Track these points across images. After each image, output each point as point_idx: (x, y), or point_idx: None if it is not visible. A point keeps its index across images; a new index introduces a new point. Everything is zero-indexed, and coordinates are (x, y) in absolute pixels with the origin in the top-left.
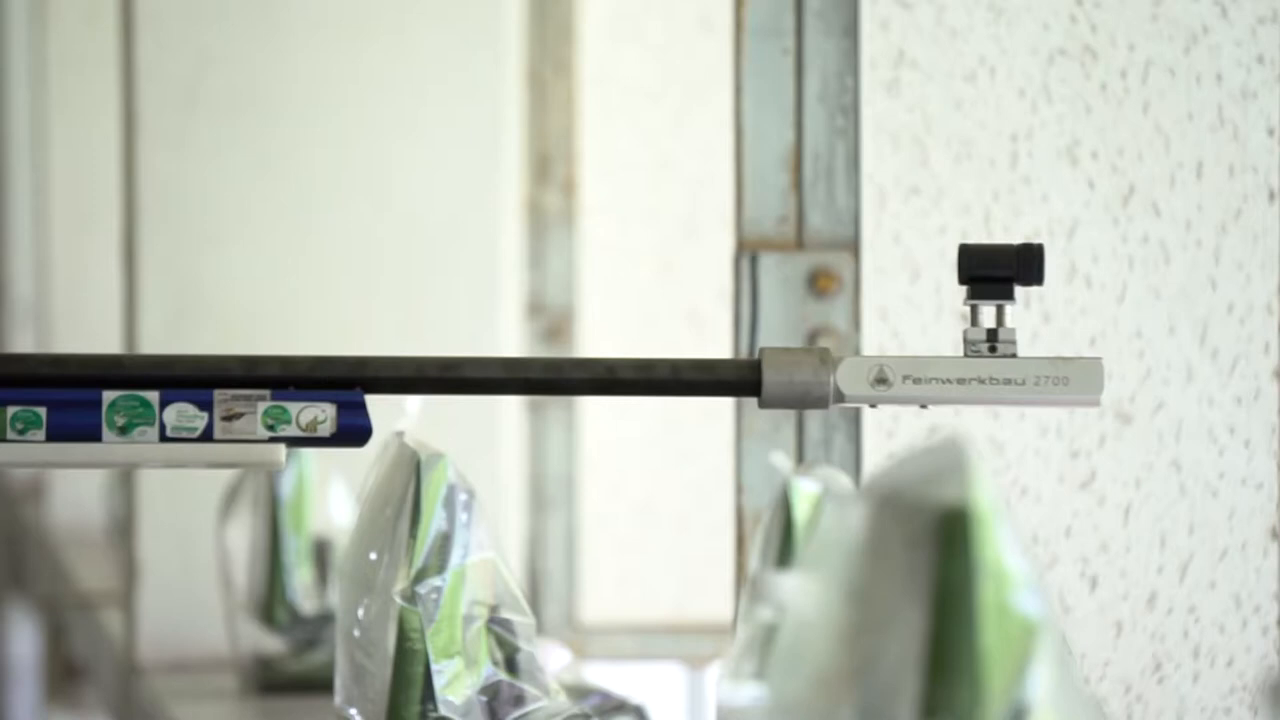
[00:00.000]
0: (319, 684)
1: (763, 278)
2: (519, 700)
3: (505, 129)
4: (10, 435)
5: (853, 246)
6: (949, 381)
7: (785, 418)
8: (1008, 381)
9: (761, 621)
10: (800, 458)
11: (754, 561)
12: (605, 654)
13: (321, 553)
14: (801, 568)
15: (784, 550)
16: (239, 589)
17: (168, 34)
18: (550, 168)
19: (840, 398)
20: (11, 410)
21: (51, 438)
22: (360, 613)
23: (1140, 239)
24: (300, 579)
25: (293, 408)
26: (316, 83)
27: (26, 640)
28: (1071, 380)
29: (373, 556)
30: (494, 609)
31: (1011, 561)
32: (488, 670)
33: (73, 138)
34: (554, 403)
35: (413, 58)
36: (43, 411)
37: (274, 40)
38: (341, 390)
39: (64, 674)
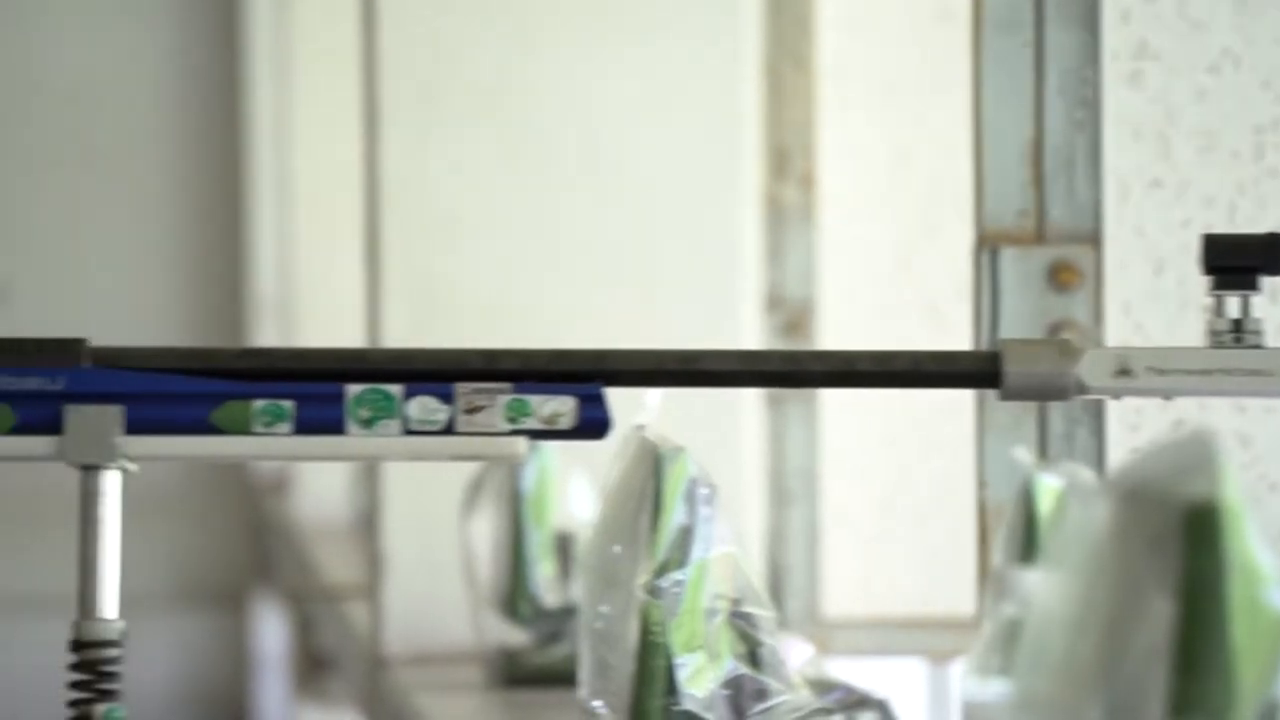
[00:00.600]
0: (562, 677)
1: (1003, 272)
2: (761, 694)
3: (743, 123)
4: (257, 429)
5: (1094, 240)
6: (1194, 373)
7: (1026, 412)
8: (1255, 373)
9: (1006, 617)
10: (1043, 453)
11: (997, 557)
12: (847, 649)
13: (563, 546)
14: (1045, 563)
15: (1027, 545)
16: (482, 582)
17: (409, 28)
18: (788, 162)
19: (1082, 389)
20: (258, 404)
21: (298, 431)
22: (603, 606)
23: None
24: (542, 572)
25: (533, 401)
26: (557, 77)
27: (274, 633)
28: None
29: (616, 550)
30: (735, 603)
31: (1261, 557)
32: (730, 664)
33: (315, 133)
34: (794, 397)
35: (652, 53)
36: (289, 405)
37: (515, 34)
38: (582, 384)
39: (311, 666)
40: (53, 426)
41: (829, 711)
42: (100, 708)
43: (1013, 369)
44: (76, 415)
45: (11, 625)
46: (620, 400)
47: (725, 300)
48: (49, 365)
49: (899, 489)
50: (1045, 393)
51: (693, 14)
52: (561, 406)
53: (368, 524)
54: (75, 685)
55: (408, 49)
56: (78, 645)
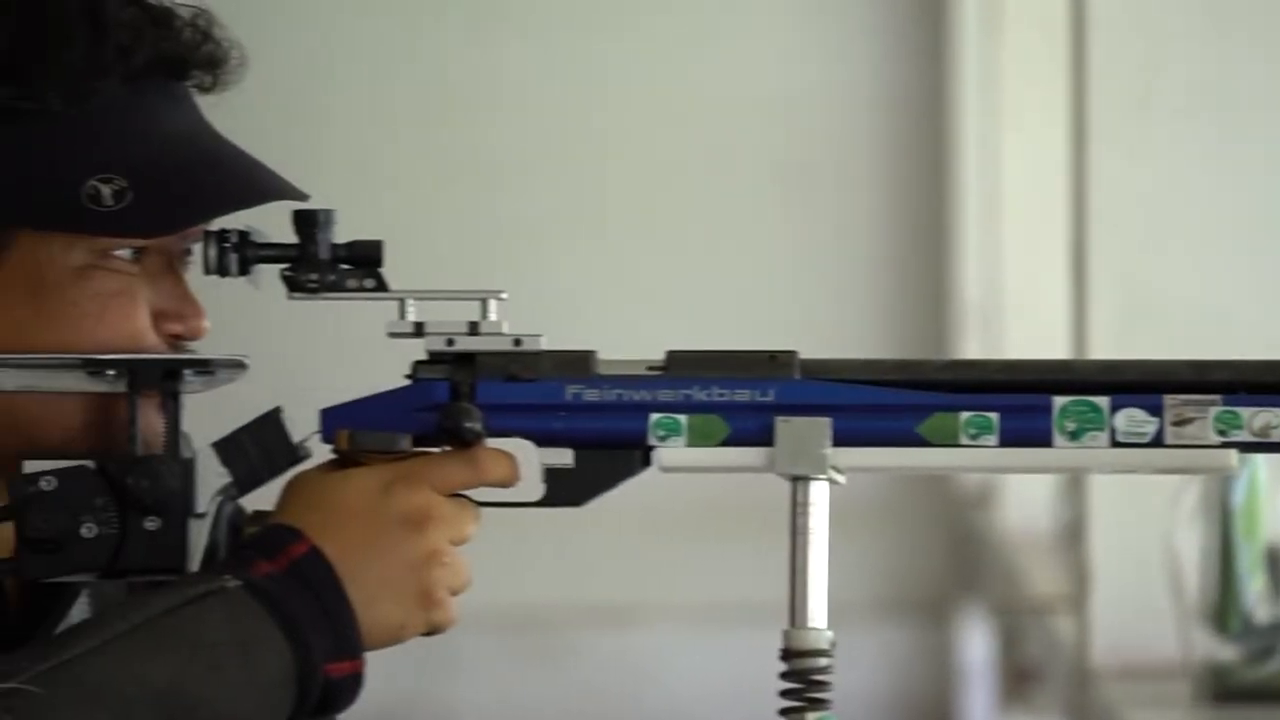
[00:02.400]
0: (1274, 694)
1: None
2: None
3: None
4: (963, 440)
5: None
6: None
7: None
8: None
9: None
10: None
11: None
12: None
13: (1274, 560)
14: None
15: None
16: (1190, 596)
17: (1119, 37)
18: None
19: None
20: (965, 416)
21: (1004, 443)
22: None
23: None
24: (1253, 587)
25: (1245, 413)
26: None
27: (979, 644)
28: None
29: None
30: None
31: None
32: None
33: (1023, 142)
34: None
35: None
36: (995, 417)
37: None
38: None
39: (1016, 678)
40: (763, 438)
41: None
42: (811, 716)
43: None
44: (787, 427)
45: (722, 634)
46: None
47: None
48: (760, 378)
49: None
50: None
51: None
52: (1274, 419)
53: (1072, 535)
54: (786, 694)
55: (1117, 56)
56: (788, 654)
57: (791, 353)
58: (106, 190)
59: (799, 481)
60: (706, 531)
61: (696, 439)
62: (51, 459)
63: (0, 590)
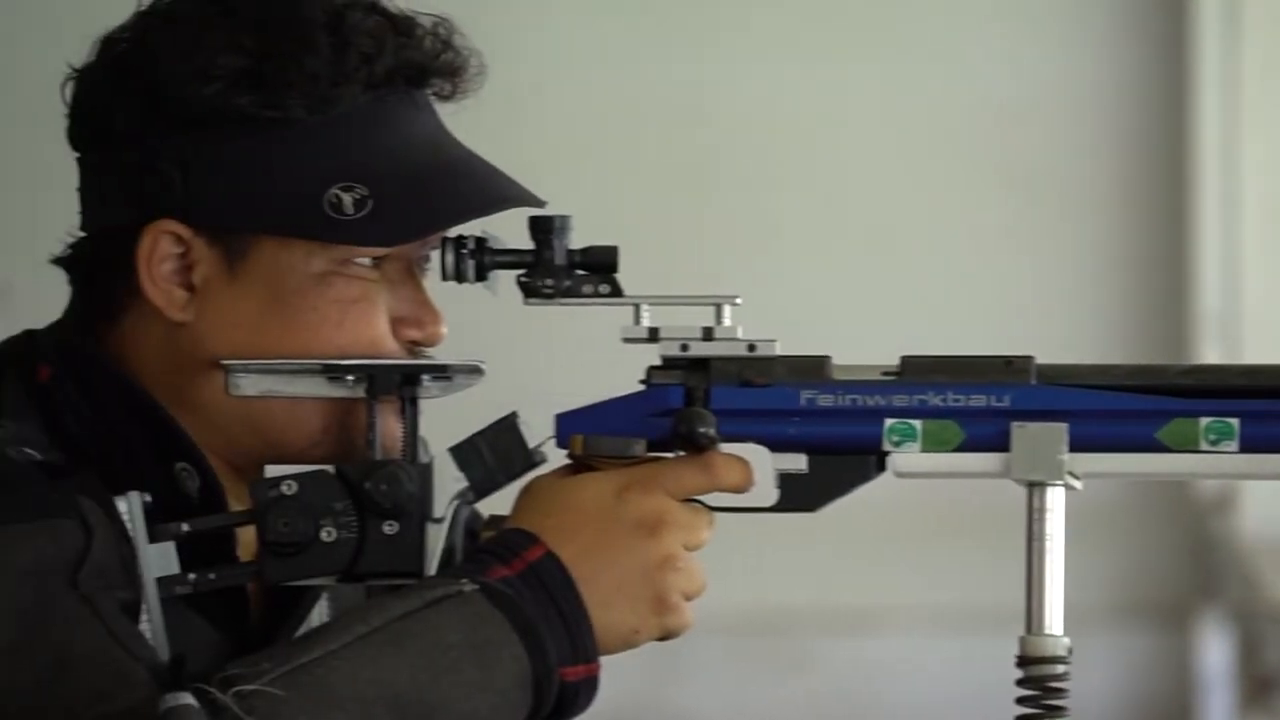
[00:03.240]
0: None
1: None
2: None
3: None
4: (1203, 446)
5: None
6: None
7: None
8: None
9: None
10: None
11: None
12: None
13: None
14: None
15: None
16: None
17: None
18: None
19: None
20: (1205, 421)
21: (1244, 449)
22: None
23: None
24: None
25: None
26: None
27: (1218, 650)
28: None
29: None
30: None
31: None
32: None
33: (1265, 144)
34: None
35: None
36: (1235, 422)
37: None
38: None
39: (1257, 684)
40: (999, 443)
41: None
42: None
43: None
44: (1023, 432)
45: (958, 640)
46: None
47: None
48: (996, 383)
49: None
50: None
51: None
52: None
53: None
54: (1023, 700)
55: None
56: (1025, 660)
57: (1028, 358)
58: (348, 199)
59: (1035, 487)
60: (940, 536)
61: (931, 444)
62: (292, 464)
63: (242, 593)
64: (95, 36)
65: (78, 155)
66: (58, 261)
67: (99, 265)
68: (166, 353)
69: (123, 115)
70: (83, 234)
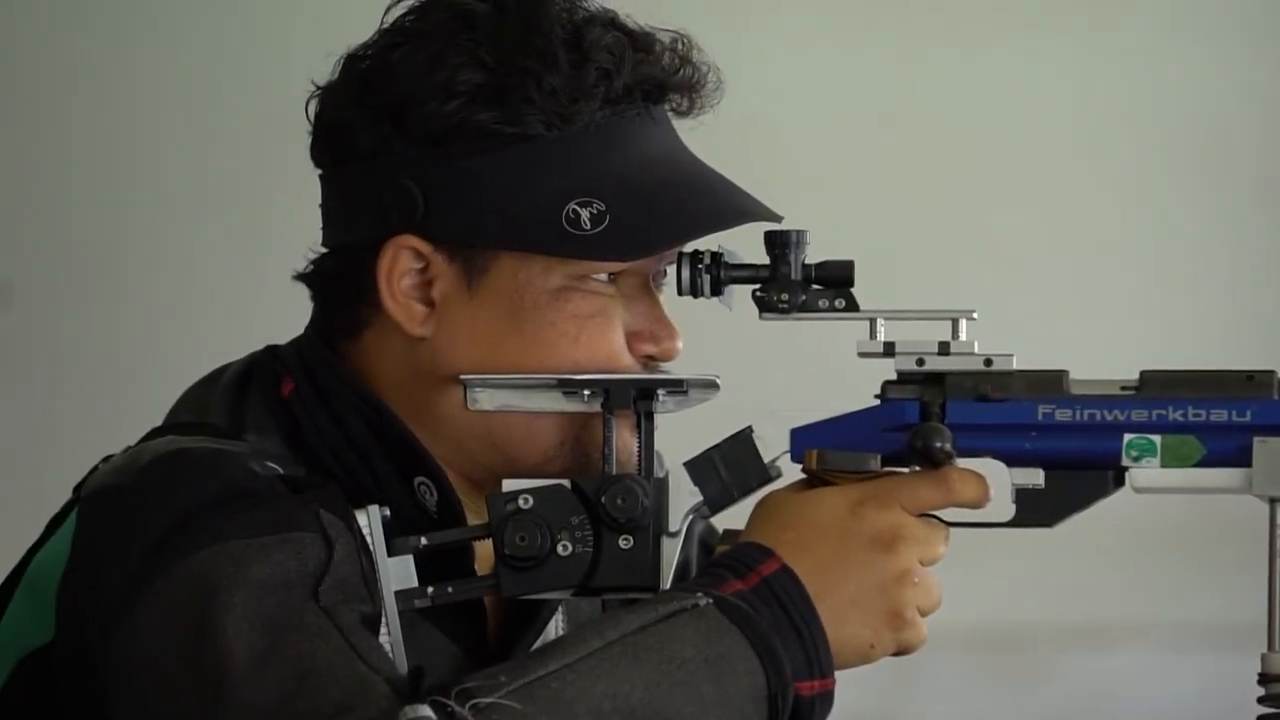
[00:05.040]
0: None
1: None
2: None
3: None
4: None
5: None
6: None
7: None
8: None
9: None
10: None
11: None
12: None
13: None
14: None
15: None
16: None
17: None
18: None
19: None
20: None
21: None
22: None
23: None
24: None
25: None
26: None
27: None
28: None
29: None
30: None
31: None
32: None
33: None
34: None
35: None
36: None
37: None
38: None
39: None
40: (1241, 459)
41: None
42: None
43: None
44: (1265, 448)
45: (1197, 656)
46: None
47: None
48: (1237, 398)
49: None
50: None
51: None
52: None
53: None
54: (1264, 719)
55: None
56: (1266, 679)
57: (1270, 372)
58: (585, 214)
59: (1277, 504)
60: (1179, 551)
61: (1171, 460)
62: (527, 478)
63: (479, 607)
64: (335, 55)
65: (320, 172)
66: (300, 277)
67: (340, 281)
68: (406, 368)
69: (365, 132)
70: (324, 249)
